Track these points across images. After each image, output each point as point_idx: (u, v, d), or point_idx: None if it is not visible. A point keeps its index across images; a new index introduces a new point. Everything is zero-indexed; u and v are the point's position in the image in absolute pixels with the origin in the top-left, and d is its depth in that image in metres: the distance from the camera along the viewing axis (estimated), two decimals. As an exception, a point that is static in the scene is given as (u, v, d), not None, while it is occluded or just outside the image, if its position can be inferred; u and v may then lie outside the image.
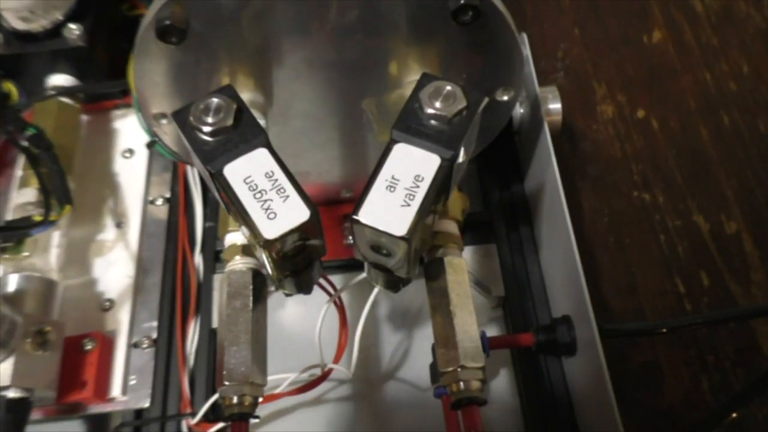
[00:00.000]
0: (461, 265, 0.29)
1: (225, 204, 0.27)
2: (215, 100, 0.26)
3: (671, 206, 0.48)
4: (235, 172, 0.25)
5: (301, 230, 0.24)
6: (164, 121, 0.34)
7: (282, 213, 0.24)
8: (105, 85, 0.47)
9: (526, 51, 0.41)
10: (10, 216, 0.41)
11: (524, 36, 0.41)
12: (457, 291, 0.28)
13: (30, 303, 0.37)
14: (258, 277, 0.31)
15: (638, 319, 0.44)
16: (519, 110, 0.42)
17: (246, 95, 0.31)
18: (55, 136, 0.42)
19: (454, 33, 0.29)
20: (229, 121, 0.26)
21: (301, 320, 0.41)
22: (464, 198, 0.33)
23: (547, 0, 0.59)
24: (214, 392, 0.40)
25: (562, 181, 0.36)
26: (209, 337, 0.41)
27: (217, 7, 0.28)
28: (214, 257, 0.44)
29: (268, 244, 0.24)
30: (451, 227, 0.31)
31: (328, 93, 0.33)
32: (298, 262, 0.27)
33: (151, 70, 0.30)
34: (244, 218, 0.25)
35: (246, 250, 0.31)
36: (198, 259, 0.44)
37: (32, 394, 0.35)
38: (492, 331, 0.41)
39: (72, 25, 0.43)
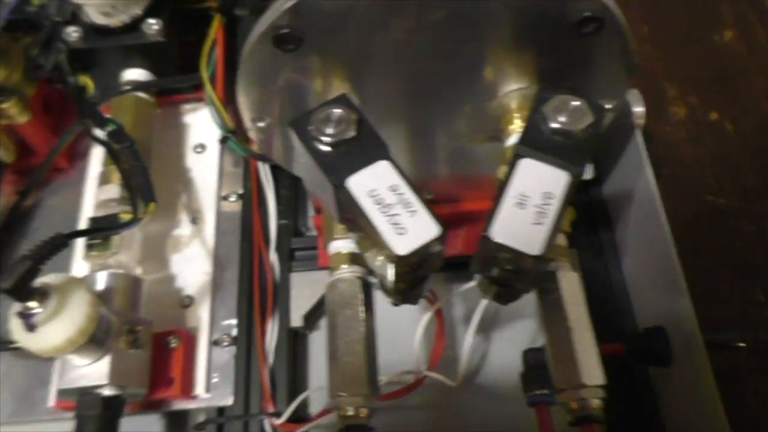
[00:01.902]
0: (575, 278, 0.29)
1: (343, 214, 0.27)
2: (337, 111, 0.26)
3: (746, 211, 0.47)
4: (359, 184, 0.25)
5: (431, 246, 0.24)
6: (261, 124, 0.33)
7: (412, 228, 0.24)
8: (179, 79, 0.47)
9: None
10: (92, 212, 0.41)
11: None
12: (574, 306, 0.28)
13: (119, 300, 0.37)
14: (366, 286, 0.31)
15: (715, 328, 0.44)
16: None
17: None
18: (133, 132, 0.42)
19: (569, 43, 0.29)
20: (351, 133, 0.26)
21: (392, 324, 0.41)
22: (572, 210, 0.33)
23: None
24: (294, 392, 0.40)
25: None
26: (288, 336, 0.42)
27: (331, 15, 0.27)
28: (289, 255, 0.44)
29: (399, 260, 0.24)
30: (561, 240, 0.30)
31: (424, 100, 0.32)
32: (418, 275, 0.26)
33: (256, 74, 0.30)
34: (369, 232, 0.25)
35: (354, 259, 0.31)
36: (273, 256, 0.44)
37: (125, 392, 0.36)
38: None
39: (151, 20, 0.43)
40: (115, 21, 0.42)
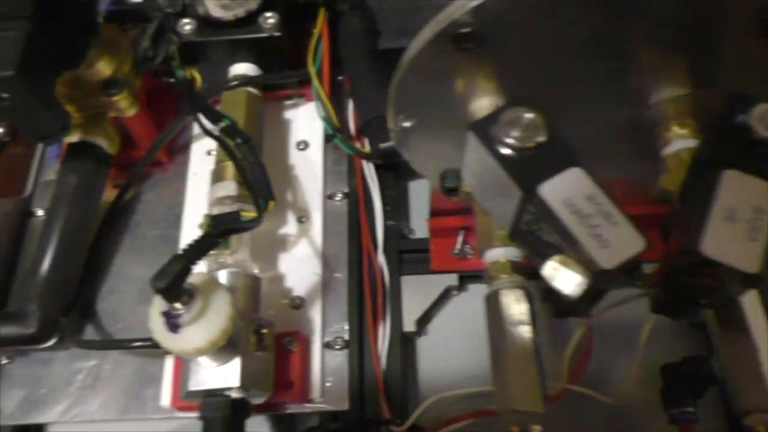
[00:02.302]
0: (755, 295, 0.28)
1: (515, 225, 0.26)
2: (527, 114, 0.25)
3: None
4: (553, 192, 0.24)
5: (636, 260, 0.23)
6: (407, 124, 0.32)
7: (616, 241, 0.23)
8: (288, 74, 0.46)
9: None
10: (207, 210, 0.40)
11: None
12: (758, 325, 0.27)
13: (242, 300, 0.37)
14: (529, 296, 0.29)
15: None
16: None
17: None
18: (246, 128, 0.41)
19: (755, 43, 0.27)
20: (542, 138, 0.25)
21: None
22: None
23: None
24: (409, 396, 0.39)
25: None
26: (401, 341, 0.41)
27: (520, 14, 0.26)
28: (399, 257, 0.43)
29: (602, 275, 0.23)
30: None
31: (585, 102, 0.31)
32: (599, 290, 0.25)
33: (420, 72, 0.29)
34: (569, 244, 0.23)
35: (515, 268, 0.30)
36: (381, 258, 0.43)
37: (249, 394, 0.35)
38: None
39: (268, 14, 0.42)
40: (232, 14, 0.41)
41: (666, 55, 0.28)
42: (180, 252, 0.29)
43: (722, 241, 0.23)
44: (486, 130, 0.25)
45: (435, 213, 0.41)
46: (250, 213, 0.38)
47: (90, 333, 0.42)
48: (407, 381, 0.41)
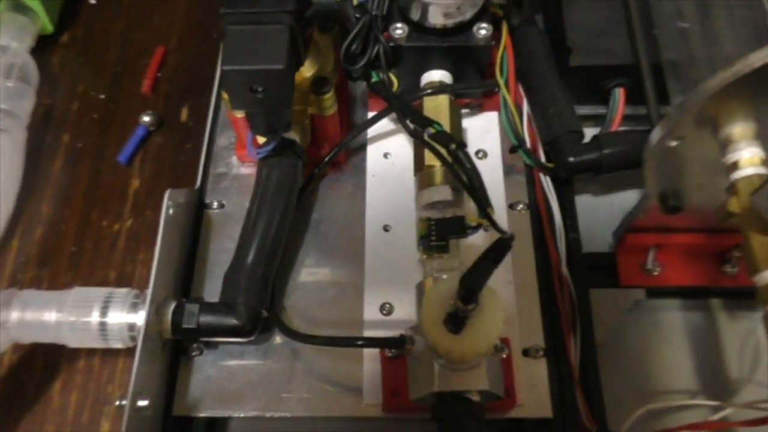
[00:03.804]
0: None
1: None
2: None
3: None
4: None
5: None
6: (673, 143, 0.33)
7: None
8: (478, 84, 0.46)
9: None
10: (421, 213, 0.41)
11: None
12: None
13: (470, 305, 0.37)
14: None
15: None
16: None
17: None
18: (451, 133, 0.42)
19: None
20: None
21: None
22: None
23: None
24: (603, 409, 0.40)
25: None
26: (594, 351, 0.42)
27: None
28: (586, 271, 0.44)
29: None
30: None
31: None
32: None
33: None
34: None
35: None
36: (565, 270, 0.44)
37: (483, 398, 0.35)
38: None
39: (483, 24, 0.43)
40: (446, 22, 0.42)
41: None
42: (482, 257, 0.29)
43: None
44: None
45: (633, 229, 0.43)
46: (474, 219, 0.38)
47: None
48: (601, 391, 0.42)
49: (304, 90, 0.42)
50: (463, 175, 0.40)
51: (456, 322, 0.30)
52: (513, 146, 0.47)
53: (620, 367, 0.43)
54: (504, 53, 0.47)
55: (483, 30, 0.43)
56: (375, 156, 0.48)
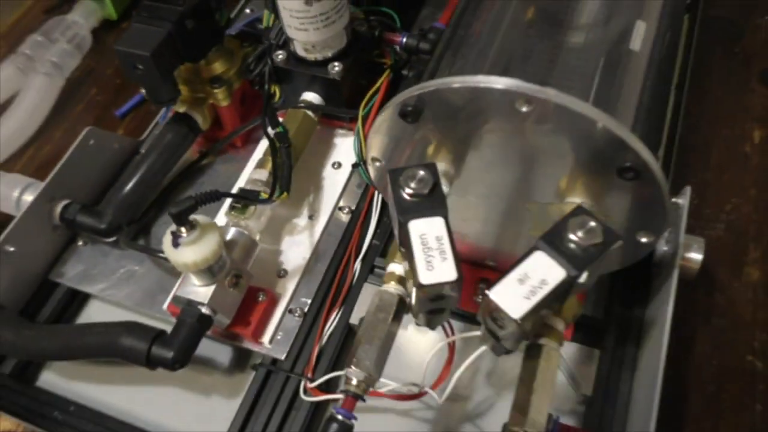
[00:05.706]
0: (555, 356, 0.36)
1: (401, 243, 0.37)
2: (421, 172, 0.36)
3: (780, 384, 0.50)
4: (416, 227, 0.35)
5: (446, 286, 0.33)
6: (377, 164, 0.44)
7: (438, 269, 0.33)
8: (341, 110, 0.59)
9: (685, 202, 0.46)
10: (243, 184, 0.55)
11: (687, 189, 0.47)
12: (544, 374, 0.35)
13: (237, 252, 0.50)
14: (401, 302, 0.40)
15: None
16: (663, 247, 0.48)
17: (442, 165, 0.41)
18: (294, 138, 0.55)
19: (616, 180, 0.36)
20: (426, 191, 0.36)
21: (417, 345, 0.50)
22: (579, 306, 0.40)
23: (735, 154, 0.63)
24: (333, 370, 0.50)
25: (681, 321, 0.40)
26: (344, 328, 0.52)
27: (446, 105, 0.37)
28: (370, 269, 0.54)
29: (420, 287, 0.33)
30: (559, 325, 0.38)
31: (504, 187, 0.41)
32: (435, 306, 0.35)
33: (383, 130, 0.41)
34: (410, 261, 0.34)
35: (401, 280, 0.40)
36: (357, 265, 0.54)
37: (215, 316, 0.48)
38: (567, 421, 0.47)
39: (336, 63, 0.56)
40: (311, 56, 0.56)
41: (554, 171, 0.38)
42: (193, 195, 0.43)
43: (507, 292, 0.32)
44: (397, 176, 0.37)
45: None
46: (265, 195, 0.51)
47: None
48: (340, 359, 0.51)
49: (204, 83, 0.58)
50: (281, 165, 0.53)
51: (174, 239, 0.44)
52: (355, 163, 0.59)
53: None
54: (375, 94, 0.59)
55: (336, 67, 0.56)
56: (263, 148, 0.62)
